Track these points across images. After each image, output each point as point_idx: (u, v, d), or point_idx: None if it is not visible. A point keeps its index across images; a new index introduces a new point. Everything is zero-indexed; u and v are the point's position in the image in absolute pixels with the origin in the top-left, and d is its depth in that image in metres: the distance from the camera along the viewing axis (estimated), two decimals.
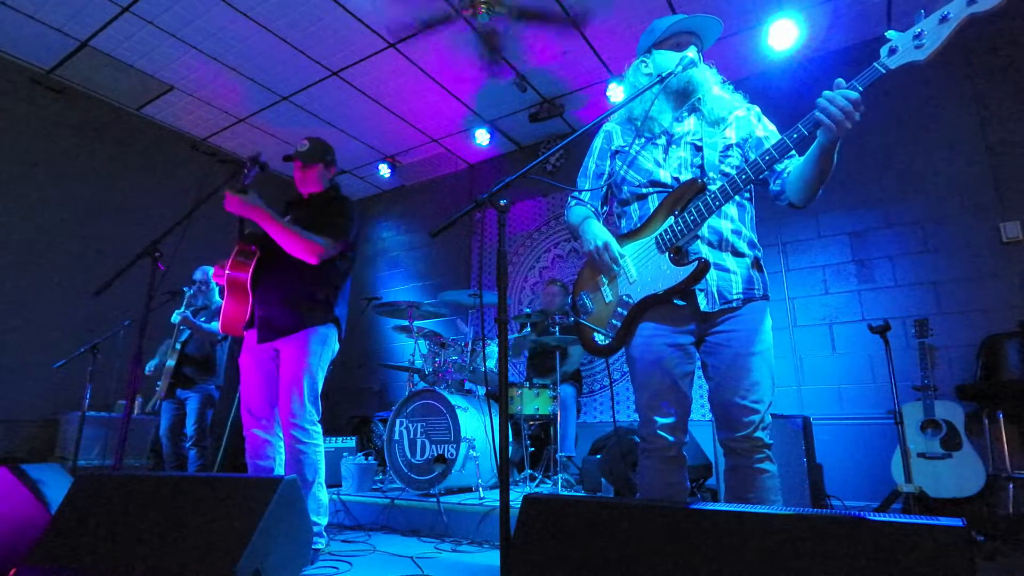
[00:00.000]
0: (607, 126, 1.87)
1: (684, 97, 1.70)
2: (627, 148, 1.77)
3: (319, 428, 2.38)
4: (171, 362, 3.78)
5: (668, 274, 1.56)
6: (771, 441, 1.53)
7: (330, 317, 2.43)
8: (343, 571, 2.17)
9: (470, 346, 3.82)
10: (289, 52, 4.41)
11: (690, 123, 1.71)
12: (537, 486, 3.57)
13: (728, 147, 1.66)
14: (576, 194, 1.86)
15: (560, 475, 3.42)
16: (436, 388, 3.50)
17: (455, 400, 3.39)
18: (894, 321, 3.62)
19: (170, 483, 1.67)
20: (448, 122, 5.46)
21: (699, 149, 1.67)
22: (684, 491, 1.60)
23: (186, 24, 4.13)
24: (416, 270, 6.40)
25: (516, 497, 1.61)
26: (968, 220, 3.65)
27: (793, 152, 1.49)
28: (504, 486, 1.39)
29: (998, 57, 3.70)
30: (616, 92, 4.63)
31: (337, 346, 2.51)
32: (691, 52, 1.67)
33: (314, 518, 2.31)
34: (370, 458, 3.72)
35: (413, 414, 3.51)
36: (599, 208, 1.84)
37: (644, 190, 1.70)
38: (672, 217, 1.58)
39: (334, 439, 4.00)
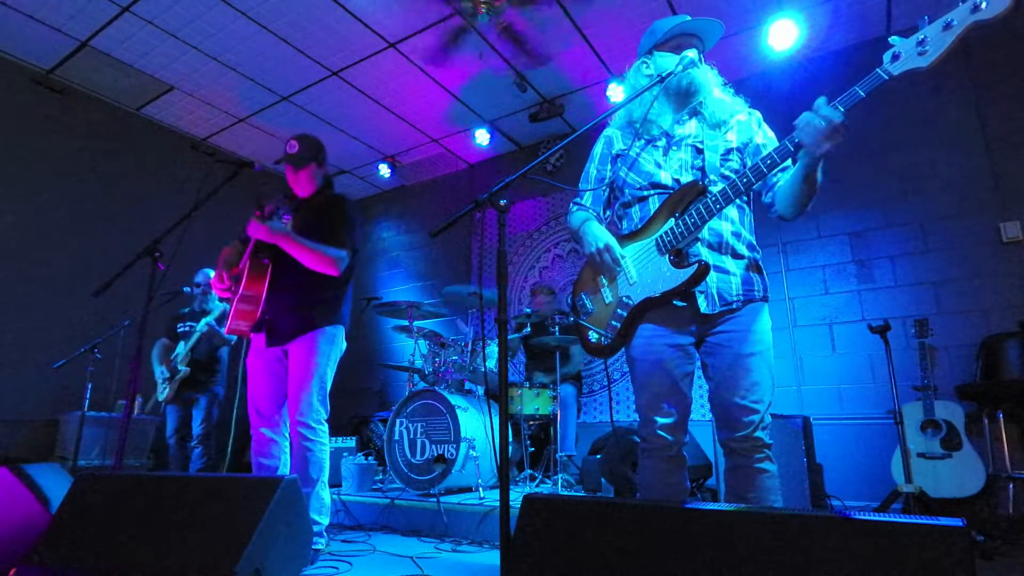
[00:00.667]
0: (607, 131, 1.87)
1: (685, 99, 1.70)
2: (628, 151, 1.77)
3: (326, 427, 2.40)
4: (184, 368, 3.78)
5: (668, 276, 1.56)
6: (771, 441, 1.53)
7: (337, 317, 2.47)
8: (343, 571, 2.17)
9: (470, 346, 3.82)
10: (289, 52, 4.41)
11: (691, 126, 1.71)
12: (537, 486, 3.56)
13: (729, 150, 1.66)
14: (577, 199, 1.87)
15: (560, 475, 3.42)
16: (436, 388, 3.50)
17: (455, 400, 3.39)
18: (894, 321, 3.62)
19: (170, 483, 1.67)
20: (448, 122, 5.46)
21: (700, 151, 1.67)
22: (684, 491, 1.60)
23: (186, 24, 4.13)
24: (416, 270, 6.40)
25: (516, 497, 1.61)
26: (968, 220, 3.65)
27: (788, 162, 1.49)
28: (504, 486, 1.39)
29: (998, 57, 3.71)
30: (616, 92, 4.63)
31: (344, 345, 2.53)
32: (691, 53, 1.67)
33: (316, 517, 2.32)
34: (370, 458, 3.72)
35: (413, 414, 3.51)
36: (601, 213, 1.84)
37: (645, 192, 1.70)
38: (673, 219, 1.58)
39: (334, 439, 4.00)
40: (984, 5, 1.20)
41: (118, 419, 4.13)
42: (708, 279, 1.54)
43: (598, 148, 1.87)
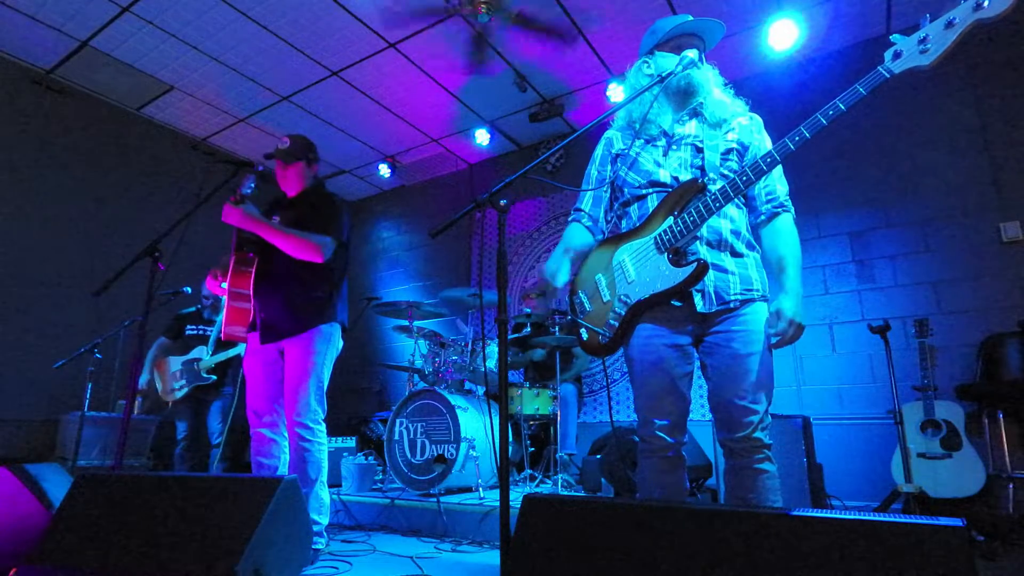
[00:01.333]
0: (608, 133, 1.87)
1: (685, 99, 1.70)
2: (627, 151, 1.77)
3: (323, 427, 2.40)
4: (211, 377, 3.77)
5: (667, 275, 1.55)
6: (771, 441, 1.52)
7: (332, 315, 2.45)
8: (343, 571, 2.17)
9: (470, 346, 3.82)
10: (289, 52, 4.41)
11: (691, 126, 1.71)
12: (537, 486, 3.56)
13: (729, 150, 1.66)
14: (576, 211, 1.86)
15: (560, 475, 3.42)
16: (436, 388, 3.50)
17: (455, 400, 3.38)
18: (894, 321, 3.62)
19: (170, 483, 1.67)
20: (448, 122, 5.46)
21: (700, 150, 1.66)
22: (683, 491, 1.60)
23: (186, 24, 4.13)
24: (416, 270, 6.41)
25: (516, 497, 1.61)
26: (968, 220, 3.65)
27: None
28: (504, 486, 1.39)
29: (998, 57, 3.71)
30: (616, 92, 4.63)
31: (341, 343, 2.52)
32: (691, 53, 1.67)
33: (315, 517, 2.33)
34: (370, 458, 3.72)
35: (413, 414, 3.51)
36: (602, 216, 1.83)
37: (643, 190, 1.69)
38: (671, 217, 1.57)
39: (334, 439, 3.99)
40: (987, 3, 1.20)
41: (118, 419, 4.12)
42: (706, 277, 1.54)
43: (599, 150, 1.87)
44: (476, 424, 3.40)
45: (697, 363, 1.64)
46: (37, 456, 4.20)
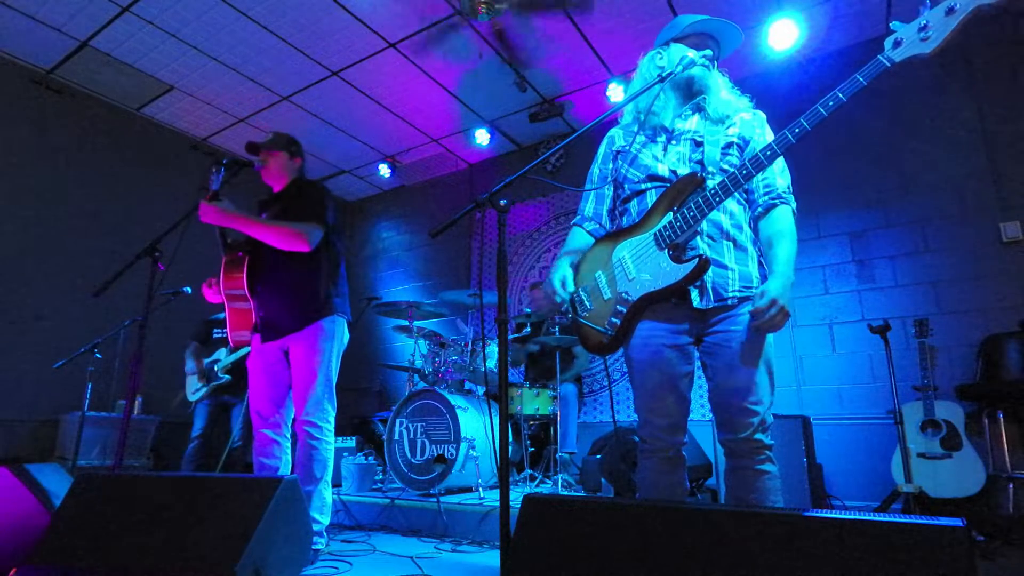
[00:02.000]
0: (611, 131, 1.87)
1: (689, 93, 1.70)
2: (628, 147, 1.76)
3: (332, 426, 2.38)
4: (226, 377, 3.77)
5: (667, 271, 1.53)
6: (772, 442, 1.52)
7: (332, 309, 2.40)
8: (343, 571, 2.17)
9: (470, 346, 3.82)
10: (289, 52, 4.41)
11: (692, 122, 1.70)
12: (537, 486, 3.56)
13: (730, 144, 1.64)
14: (579, 216, 1.86)
15: (560, 475, 3.42)
16: (436, 388, 3.50)
17: (455, 400, 3.38)
18: (894, 321, 3.62)
19: (170, 483, 1.67)
20: (448, 122, 5.46)
21: (699, 144, 1.65)
22: (683, 491, 1.60)
23: (186, 24, 4.13)
24: (416, 270, 6.40)
25: (516, 497, 1.61)
26: (968, 220, 3.65)
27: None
28: (504, 486, 1.38)
29: (998, 56, 3.70)
30: (616, 92, 4.63)
31: (347, 336, 2.49)
32: (690, 54, 1.67)
33: (317, 516, 2.32)
34: (370, 458, 3.72)
35: (413, 414, 3.51)
36: (605, 214, 1.83)
37: (643, 185, 1.69)
38: (671, 213, 1.55)
39: (335, 439, 3.99)
40: None
41: (118, 419, 4.12)
42: (704, 274, 1.52)
43: (601, 149, 1.87)
44: (476, 424, 3.40)
45: (698, 363, 1.63)
46: (37, 456, 4.20)
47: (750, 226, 1.67)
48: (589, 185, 1.86)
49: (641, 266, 1.59)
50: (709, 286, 1.55)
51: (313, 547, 2.22)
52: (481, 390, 3.96)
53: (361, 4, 3.96)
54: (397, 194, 6.76)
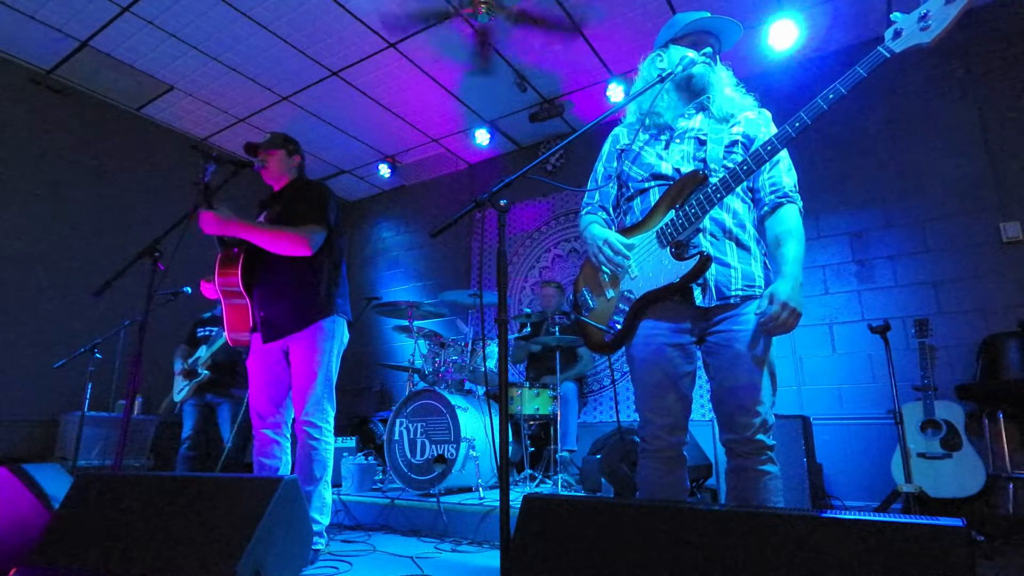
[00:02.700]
0: (616, 129, 1.87)
1: (691, 92, 1.70)
2: (631, 146, 1.76)
3: (331, 426, 2.38)
4: (205, 372, 3.73)
5: (669, 269, 1.53)
6: (773, 442, 1.51)
7: (332, 308, 2.39)
8: (343, 571, 2.17)
9: (470, 346, 3.82)
10: (289, 52, 4.42)
11: (696, 120, 1.70)
12: (537, 486, 3.57)
13: (733, 143, 1.64)
14: (585, 205, 1.86)
15: (560, 475, 3.42)
16: (436, 388, 3.50)
17: (455, 400, 3.38)
18: (894, 321, 3.62)
19: (170, 483, 1.67)
20: (448, 122, 5.46)
21: (702, 143, 1.65)
22: (684, 491, 1.59)
23: (186, 24, 4.13)
24: (416, 270, 6.41)
25: (516, 497, 1.61)
26: (968, 220, 3.65)
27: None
28: (504, 486, 1.39)
29: (998, 57, 3.70)
30: (616, 92, 4.63)
31: (347, 335, 2.48)
32: (690, 53, 1.67)
33: (316, 516, 2.32)
34: (370, 458, 3.72)
35: (413, 414, 3.51)
36: (611, 210, 1.83)
37: (646, 183, 1.69)
38: (673, 211, 1.55)
39: (335, 439, 3.99)
40: None
41: (118, 419, 4.13)
42: (707, 271, 1.52)
43: (605, 147, 1.87)
44: (476, 424, 3.40)
45: (699, 362, 1.63)
46: (37, 456, 4.20)
47: (755, 225, 1.66)
48: (592, 183, 1.86)
49: (643, 264, 1.60)
50: (711, 284, 1.55)
51: (313, 547, 2.22)
52: (481, 390, 3.96)
53: (361, 4, 3.96)
54: (397, 194, 6.76)
